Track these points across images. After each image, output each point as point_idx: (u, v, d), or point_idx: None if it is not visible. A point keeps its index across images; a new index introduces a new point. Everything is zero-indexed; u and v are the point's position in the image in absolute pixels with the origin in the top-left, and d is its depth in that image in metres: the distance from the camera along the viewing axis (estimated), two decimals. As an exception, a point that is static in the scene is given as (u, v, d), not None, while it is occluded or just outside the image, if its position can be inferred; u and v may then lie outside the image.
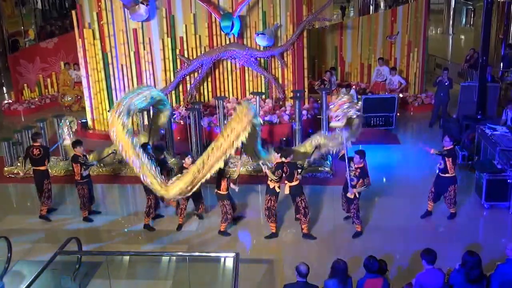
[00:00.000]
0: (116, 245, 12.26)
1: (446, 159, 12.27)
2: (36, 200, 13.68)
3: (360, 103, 13.27)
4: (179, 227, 12.79)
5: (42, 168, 13.42)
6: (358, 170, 11.74)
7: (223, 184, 12.04)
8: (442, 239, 12.06)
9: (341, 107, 11.13)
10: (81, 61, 17.92)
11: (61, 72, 22.58)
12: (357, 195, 11.84)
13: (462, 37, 35.28)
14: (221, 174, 11.82)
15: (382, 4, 38.71)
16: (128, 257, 11.66)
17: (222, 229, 12.38)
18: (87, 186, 13.10)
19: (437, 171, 12.57)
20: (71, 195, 14.34)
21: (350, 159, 11.78)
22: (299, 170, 12.00)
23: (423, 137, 18.28)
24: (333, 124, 11.35)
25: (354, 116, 11.32)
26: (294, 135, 15.92)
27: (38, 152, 13.32)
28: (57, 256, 10.09)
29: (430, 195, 12.84)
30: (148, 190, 12.14)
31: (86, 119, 18.78)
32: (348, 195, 11.86)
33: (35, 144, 13.51)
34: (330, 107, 11.44)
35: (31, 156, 13.44)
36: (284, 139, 16.24)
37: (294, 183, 11.95)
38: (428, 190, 12.89)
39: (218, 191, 12.14)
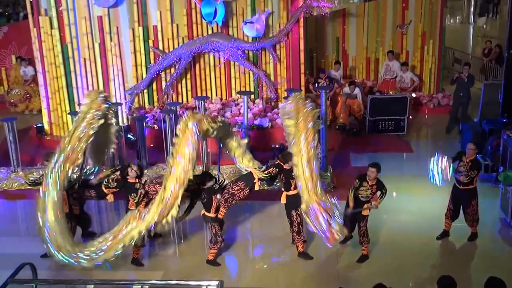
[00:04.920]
0: (78, 271, 12.22)
1: (471, 171, 12.36)
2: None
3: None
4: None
5: None
6: (374, 186, 11.84)
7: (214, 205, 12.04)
8: (462, 264, 12.12)
9: None
10: (37, 54, 17.77)
11: (13, 68, 22.55)
12: (369, 212, 11.95)
13: (485, 26, 35.40)
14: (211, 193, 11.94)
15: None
16: (92, 285, 11.60)
17: (210, 258, 12.24)
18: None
19: (456, 183, 12.62)
20: (24, 213, 14.26)
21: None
22: None
23: (439, 145, 18.34)
24: None
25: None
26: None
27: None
28: (8, 285, 10.06)
29: (447, 212, 12.86)
30: None
31: (42, 123, 18.62)
32: (364, 212, 11.96)
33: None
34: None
35: None
36: (277, 146, 16.23)
37: (292, 192, 12.05)
38: (445, 206, 12.94)
39: (207, 214, 12.04)
